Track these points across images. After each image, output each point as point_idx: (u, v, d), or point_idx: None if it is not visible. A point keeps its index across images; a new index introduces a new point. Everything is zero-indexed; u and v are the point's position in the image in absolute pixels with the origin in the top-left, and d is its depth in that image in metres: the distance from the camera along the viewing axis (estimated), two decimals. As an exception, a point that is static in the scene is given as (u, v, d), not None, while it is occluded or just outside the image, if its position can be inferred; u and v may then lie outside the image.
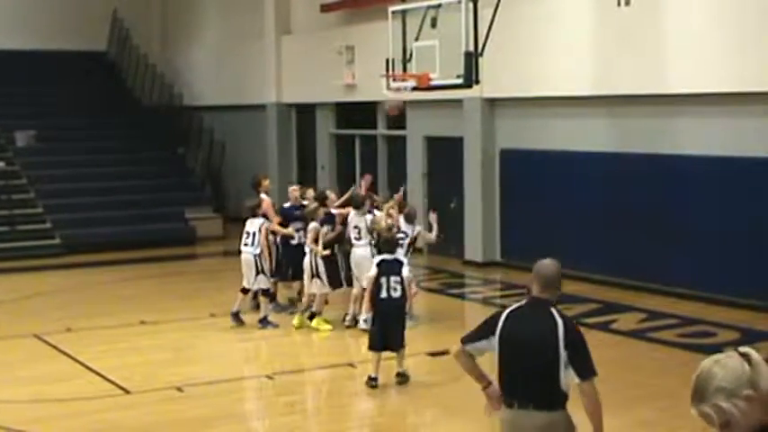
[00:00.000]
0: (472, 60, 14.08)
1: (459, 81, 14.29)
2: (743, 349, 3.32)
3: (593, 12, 16.03)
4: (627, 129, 16.03)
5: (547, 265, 6.15)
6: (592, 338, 13.42)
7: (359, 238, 13.41)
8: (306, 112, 23.89)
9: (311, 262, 13.34)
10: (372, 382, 10.53)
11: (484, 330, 6.04)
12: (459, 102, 18.03)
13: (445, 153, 19.43)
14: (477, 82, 14.41)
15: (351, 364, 11.75)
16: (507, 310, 6.03)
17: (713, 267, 14.50)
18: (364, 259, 12.91)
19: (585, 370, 5.85)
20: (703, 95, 14.54)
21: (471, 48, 14.09)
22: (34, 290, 17.18)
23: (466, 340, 6.06)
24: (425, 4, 15.04)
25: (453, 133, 18.89)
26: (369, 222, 13.48)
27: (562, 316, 5.99)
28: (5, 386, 11.18)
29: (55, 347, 12.75)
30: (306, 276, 13.48)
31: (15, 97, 25.08)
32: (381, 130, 21.54)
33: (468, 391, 11.12)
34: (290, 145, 24.44)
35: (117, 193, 22.88)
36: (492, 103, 18.18)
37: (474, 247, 18.47)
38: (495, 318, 6.05)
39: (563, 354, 5.80)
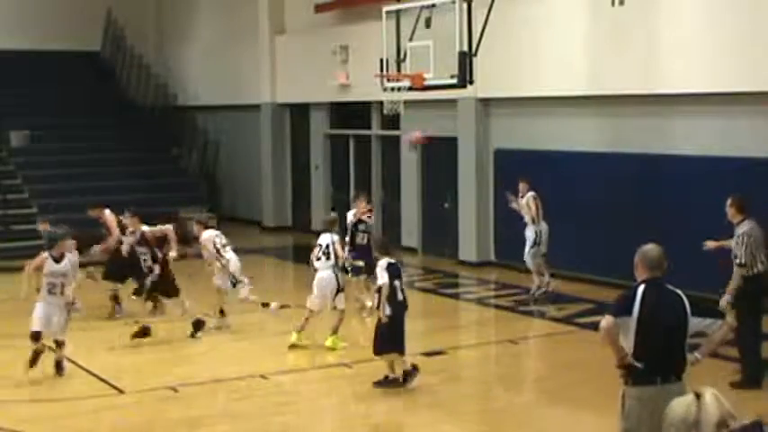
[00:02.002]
0: (466, 60, 14.10)
1: (454, 81, 14.32)
2: (699, 390, 3.80)
3: (586, 12, 16.06)
4: (620, 128, 16.06)
5: (652, 248, 6.62)
6: (586, 338, 13.49)
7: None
8: (300, 112, 23.90)
9: (337, 275, 12.61)
10: (397, 383, 10.57)
11: (625, 307, 6.32)
12: (453, 102, 18.05)
13: (439, 153, 19.45)
14: (472, 82, 14.43)
15: (346, 365, 11.76)
16: (641, 289, 6.33)
17: (707, 267, 14.51)
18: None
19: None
20: (696, 95, 14.58)
21: (465, 48, 14.11)
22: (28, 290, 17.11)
23: (615, 313, 6.32)
24: (419, 4, 15.05)
25: (448, 133, 18.91)
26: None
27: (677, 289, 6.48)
28: (0, 386, 11.17)
29: (49, 347, 12.71)
30: (327, 293, 12.54)
31: (9, 97, 25.02)
32: (375, 130, 21.55)
33: (463, 392, 11.18)
34: (285, 145, 24.44)
35: (111, 193, 22.80)
36: (486, 103, 18.20)
37: (468, 248, 18.48)
38: (630, 297, 6.32)
39: (690, 322, 6.38)
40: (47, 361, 12.15)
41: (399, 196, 20.72)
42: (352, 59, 20.84)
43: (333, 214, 13.85)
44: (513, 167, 17.93)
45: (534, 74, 16.98)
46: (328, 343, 12.45)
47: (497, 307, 15.61)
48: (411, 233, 20.35)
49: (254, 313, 14.74)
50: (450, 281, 17.51)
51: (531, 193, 15.08)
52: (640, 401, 6.18)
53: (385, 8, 15.68)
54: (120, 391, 10.75)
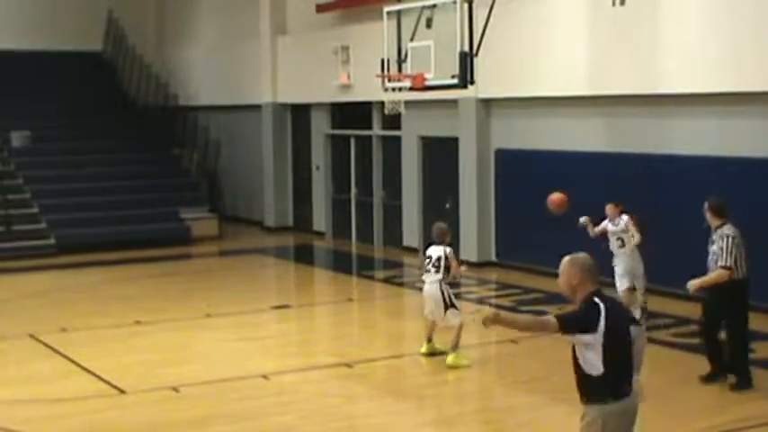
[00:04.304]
0: (467, 60, 14.11)
1: (455, 81, 14.32)
2: None
3: (587, 12, 16.05)
4: (622, 129, 16.06)
5: (586, 256, 6.32)
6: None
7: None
8: (301, 113, 23.90)
9: (444, 291, 11.61)
10: None
11: (590, 323, 6.00)
12: (454, 102, 18.05)
13: (440, 153, 19.46)
14: (473, 82, 14.44)
15: (347, 365, 11.77)
16: (603, 304, 6.05)
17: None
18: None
19: None
20: (697, 95, 14.58)
21: (466, 48, 14.12)
22: (29, 290, 17.19)
23: (577, 329, 6.03)
24: (420, 4, 15.06)
25: (448, 133, 18.92)
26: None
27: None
28: (1, 386, 11.19)
29: (50, 347, 12.75)
30: (433, 308, 11.63)
31: (10, 97, 25.05)
32: (377, 130, 21.56)
33: (463, 392, 11.18)
34: (286, 145, 24.44)
35: (112, 194, 22.89)
36: (487, 103, 18.20)
37: (469, 247, 18.47)
38: (595, 312, 6.03)
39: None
40: (45, 362, 12.18)
41: (400, 196, 20.72)
42: (353, 60, 20.84)
43: (442, 224, 12.07)
44: (514, 167, 17.96)
45: (535, 74, 16.98)
46: (449, 361, 11.45)
47: (498, 307, 15.61)
48: (412, 233, 20.35)
49: (254, 313, 14.77)
50: (451, 281, 17.50)
51: (625, 217, 13.11)
52: (611, 417, 6.02)
53: (386, 8, 15.69)
54: (122, 391, 10.75)
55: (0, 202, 21.55)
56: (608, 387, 6.00)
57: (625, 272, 12.89)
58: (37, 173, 22.87)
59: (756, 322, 13.21)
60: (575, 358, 6.11)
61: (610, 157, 16.11)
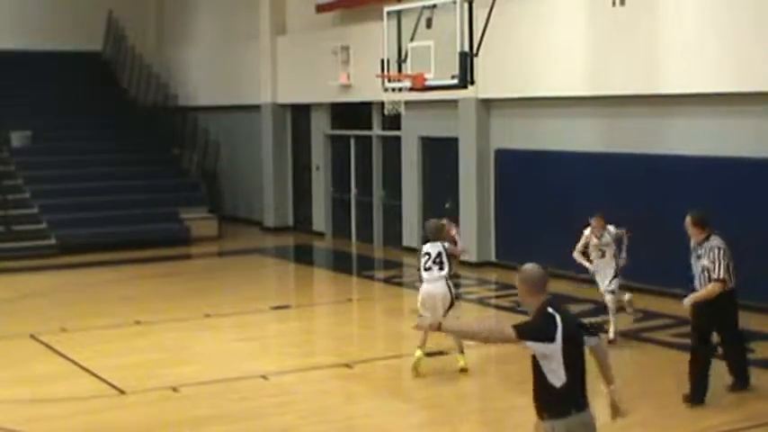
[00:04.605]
0: (467, 60, 14.10)
1: (455, 81, 14.32)
2: None
3: (587, 12, 16.06)
4: (621, 128, 16.06)
5: (536, 267, 6.13)
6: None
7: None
8: (301, 113, 23.90)
9: (451, 287, 11.48)
10: None
11: (547, 334, 5.90)
12: (454, 102, 18.06)
13: (440, 153, 19.46)
14: (473, 82, 14.43)
15: (347, 365, 11.77)
16: (558, 314, 5.96)
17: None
18: None
19: None
20: (697, 95, 14.58)
21: (466, 48, 14.11)
22: (29, 290, 17.19)
23: (535, 338, 5.93)
24: (420, 4, 15.06)
25: (448, 133, 18.92)
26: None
27: None
28: (1, 386, 11.19)
29: (50, 347, 12.75)
30: (437, 306, 11.28)
31: (10, 98, 25.04)
32: (376, 130, 21.56)
33: (463, 392, 11.18)
34: (285, 145, 24.44)
35: (112, 194, 22.89)
36: (487, 103, 18.20)
37: (469, 248, 18.47)
38: (552, 323, 5.93)
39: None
40: (45, 362, 12.18)
41: (400, 196, 20.72)
42: (352, 60, 20.84)
43: (436, 220, 11.85)
44: (513, 168, 17.96)
45: (535, 74, 16.98)
46: (462, 364, 11.27)
47: (498, 307, 15.61)
48: (412, 233, 20.35)
49: (254, 313, 14.77)
50: (451, 281, 17.49)
51: (613, 231, 12.53)
52: (585, 428, 5.99)
53: (386, 8, 15.68)
54: (121, 391, 10.75)
55: (0, 202, 21.56)
56: (570, 398, 5.94)
57: (606, 276, 12.42)
58: (37, 173, 22.86)
59: (756, 322, 13.24)
60: (537, 371, 5.98)
61: (610, 157, 16.11)
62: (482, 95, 17.76)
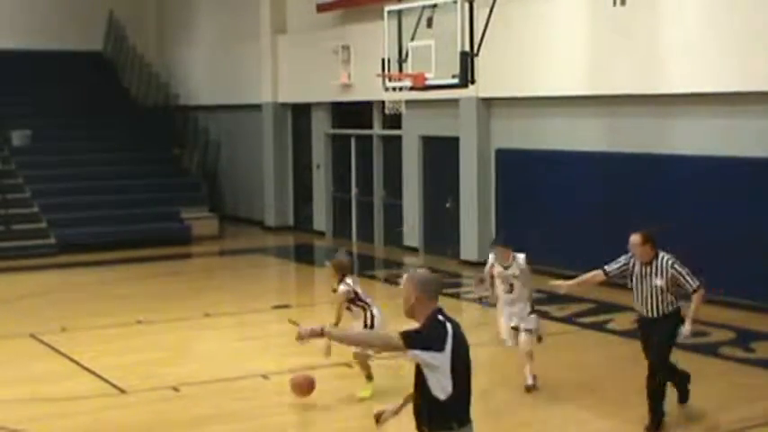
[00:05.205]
0: (468, 60, 14.10)
1: (455, 81, 14.31)
2: None
3: (588, 12, 16.06)
4: (621, 128, 16.06)
5: (428, 272, 5.89)
6: (586, 338, 13.51)
7: None
8: (301, 112, 23.90)
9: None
10: None
11: (437, 342, 5.58)
12: (454, 101, 18.06)
13: (441, 153, 19.45)
14: (473, 82, 14.43)
15: (347, 364, 11.76)
16: (449, 323, 5.65)
17: (708, 267, 14.50)
18: None
19: None
20: (698, 95, 14.58)
21: (467, 47, 14.11)
22: (30, 289, 17.19)
23: (423, 347, 5.56)
24: (421, 3, 15.05)
25: (449, 133, 18.92)
26: None
27: None
28: (1, 385, 11.19)
29: (50, 347, 12.76)
30: None
31: (11, 97, 25.06)
32: (377, 129, 21.55)
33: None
34: (286, 144, 24.45)
35: (112, 193, 22.90)
36: (488, 102, 18.20)
37: (470, 247, 18.48)
38: (442, 331, 5.60)
39: None
40: (46, 361, 12.18)
41: (401, 196, 20.72)
42: (353, 59, 20.84)
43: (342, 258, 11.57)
44: (514, 167, 17.95)
45: (536, 74, 16.98)
46: (364, 393, 10.89)
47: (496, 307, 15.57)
48: (413, 232, 20.35)
49: (254, 313, 14.76)
50: (452, 280, 17.50)
51: (521, 261, 10.89)
52: None
53: (386, 8, 15.68)
54: (122, 391, 10.76)
55: (0, 201, 21.56)
56: (454, 412, 5.68)
57: (511, 315, 11.06)
58: (37, 172, 22.87)
59: (756, 322, 13.25)
60: (420, 382, 5.65)
61: (610, 157, 16.11)
62: (483, 95, 17.76)
